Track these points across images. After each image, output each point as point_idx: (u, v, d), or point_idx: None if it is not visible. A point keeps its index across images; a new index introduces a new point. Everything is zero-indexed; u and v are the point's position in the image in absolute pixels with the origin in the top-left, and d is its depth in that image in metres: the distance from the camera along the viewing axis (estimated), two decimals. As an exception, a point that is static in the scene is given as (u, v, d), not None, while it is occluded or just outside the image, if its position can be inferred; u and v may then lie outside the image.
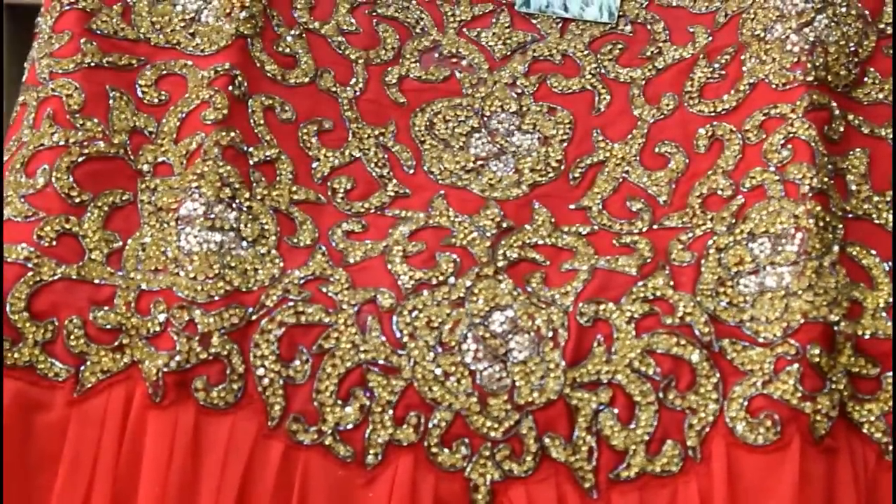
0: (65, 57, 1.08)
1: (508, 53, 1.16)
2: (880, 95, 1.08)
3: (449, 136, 1.12)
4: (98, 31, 1.09)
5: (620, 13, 1.17)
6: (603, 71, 1.15)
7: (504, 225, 1.05)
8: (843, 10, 1.08)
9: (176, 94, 1.09)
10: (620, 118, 1.13)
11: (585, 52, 1.16)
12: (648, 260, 1.02)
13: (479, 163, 1.11)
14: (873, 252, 1.01)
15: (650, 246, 1.04)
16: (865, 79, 1.08)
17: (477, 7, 1.18)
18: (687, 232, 1.04)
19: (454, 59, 1.16)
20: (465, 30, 1.17)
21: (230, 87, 1.07)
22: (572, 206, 1.09)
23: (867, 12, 1.09)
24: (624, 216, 1.07)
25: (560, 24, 1.17)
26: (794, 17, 1.07)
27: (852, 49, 1.08)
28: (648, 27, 1.16)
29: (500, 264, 1.02)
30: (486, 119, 1.13)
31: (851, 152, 1.05)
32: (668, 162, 1.09)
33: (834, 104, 1.05)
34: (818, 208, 1.00)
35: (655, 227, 1.06)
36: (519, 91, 1.14)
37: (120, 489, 0.96)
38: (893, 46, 1.10)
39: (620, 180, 1.10)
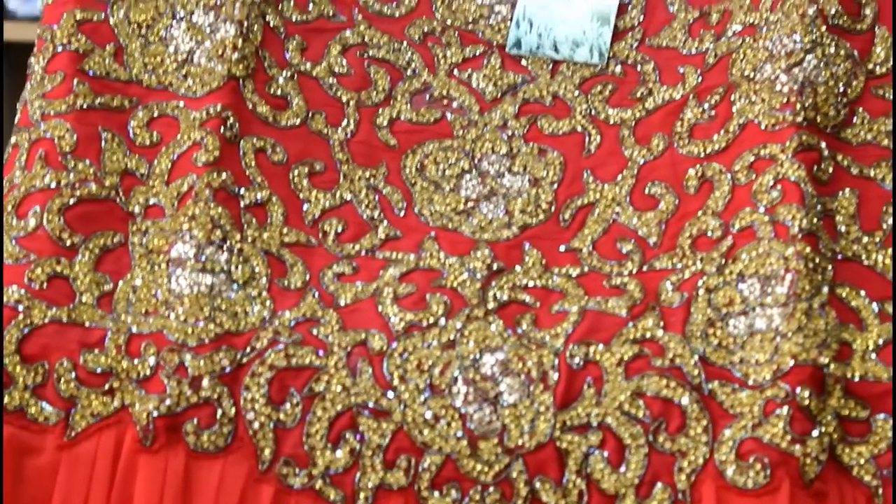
0: (57, 98, 1.08)
1: (499, 95, 1.17)
2: (869, 136, 1.08)
3: (440, 177, 1.12)
4: (90, 73, 1.10)
5: (610, 54, 1.17)
6: (593, 112, 1.15)
7: (494, 266, 1.06)
8: (832, 50, 1.08)
9: (168, 135, 1.09)
10: (611, 159, 1.13)
11: (576, 94, 1.16)
12: (638, 301, 1.03)
13: (470, 204, 1.11)
14: (862, 293, 1.02)
15: (640, 287, 1.04)
16: (854, 119, 1.08)
17: (468, 49, 1.18)
18: (676, 273, 1.05)
19: (445, 101, 1.16)
20: (455, 71, 1.18)
21: (222, 129, 1.07)
22: (563, 248, 1.09)
23: (856, 52, 1.10)
24: (614, 257, 1.08)
25: (550, 66, 1.18)
26: (784, 57, 1.08)
27: (841, 89, 1.08)
28: (638, 68, 1.16)
29: (490, 306, 1.03)
30: (476, 161, 1.13)
31: (840, 193, 1.06)
32: (658, 203, 1.10)
33: (823, 144, 1.06)
34: (808, 249, 1.00)
35: (645, 268, 1.06)
36: (509, 133, 1.14)
37: (110, 534, 0.97)
38: (894, 77, 1.11)
39: (610, 221, 1.10)
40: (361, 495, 0.96)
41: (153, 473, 0.96)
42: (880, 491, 0.96)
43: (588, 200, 1.11)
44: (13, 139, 1.09)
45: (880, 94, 1.09)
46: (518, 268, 1.07)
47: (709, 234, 1.05)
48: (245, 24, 1.11)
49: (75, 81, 1.09)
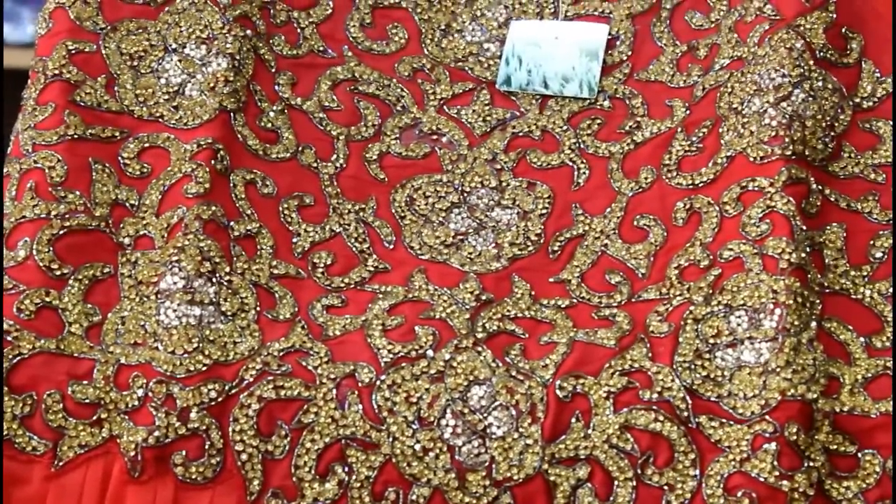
0: (48, 129, 1.09)
1: (488, 130, 1.18)
2: (856, 170, 1.09)
3: (429, 211, 1.13)
4: (82, 103, 1.10)
5: (599, 88, 1.18)
6: (582, 146, 1.16)
7: (483, 297, 1.06)
8: (820, 84, 1.10)
9: (158, 166, 1.09)
10: (599, 192, 1.14)
11: (564, 128, 1.17)
12: (627, 332, 1.04)
13: (459, 237, 1.12)
14: (850, 327, 1.02)
15: (629, 319, 1.05)
16: (842, 153, 1.09)
17: (457, 85, 1.19)
18: (664, 303, 1.06)
19: (434, 136, 1.17)
20: (445, 107, 1.19)
21: (212, 161, 1.08)
22: (552, 280, 1.10)
23: (843, 87, 1.11)
24: (603, 289, 1.08)
25: (539, 100, 1.19)
26: (772, 91, 1.09)
27: (829, 123, 1.09)
28: (627, 102, 1.17)
29: (479, 336, 1.03)
30: (465, 195, 1.14)
31: (828, 227, 1.06)
32: (647, 235, 1.11)
33: (811, 178, 1.07)
34: (797, 284, 1.01)
35: (634, 299, 1.07)
36: (498, 167, 1.15)
37: (97, 565, 0.97)
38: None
39: (599, 253, 1.11)
40: (350, 528, 0.97)
41: (142, 504, 0.97)
42: (868, 527, 0.97)
43: (577, 233, 1.12)
44: (5, 169, 1.09)
45: (867, 127, 1.11)
46: (507, 299, 1.07)
47: (696, 264, 1.06)
48: (237, 57, 1.13)
49: (66, 112, 1.09)
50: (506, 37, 1.22)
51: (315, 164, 1.14)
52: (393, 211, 1.14)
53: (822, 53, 1.12)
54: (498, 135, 1.17)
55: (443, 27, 1.22)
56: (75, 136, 1.09)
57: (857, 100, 1.13)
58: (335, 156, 1.15)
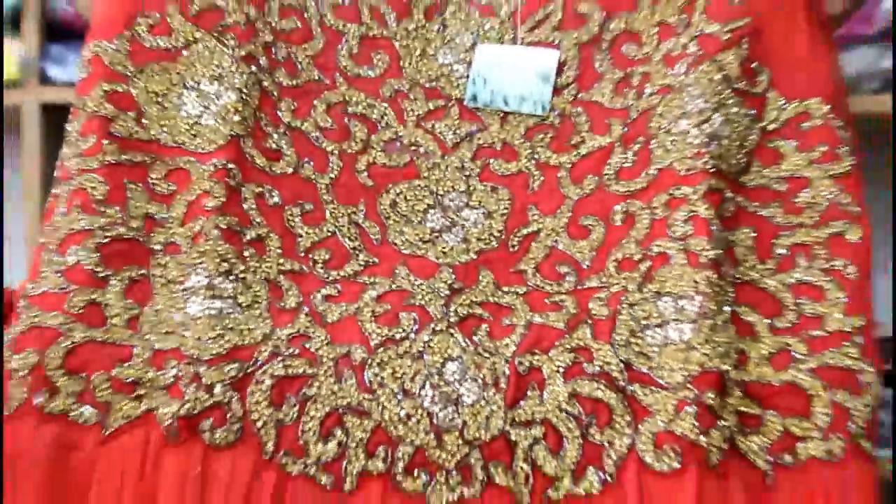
0: (90, 156, 1.14)
1: (458, 141, 1.23)
2: (763, 181, 1.15)
3: (409, 212, 1.19)
4: (117, 134, 1.16)
5: (550, 107, 1.23)
6: (536, 156, 1.22)
7: (455, 286, 1.13)
8: (734, 110, 1.15)
9: (181, 185, 1.16)
10: (551, 196, 1.20)
11: (521, 141, 1.23)
12: (574, 315, 1.10)
13: (435, 234, 1.18)
14: (757, 311, 1.10)
15: (575, 303, 1.12)
16: (752, 168, 1.15)
17: (431, 102, 1.24)
18: (604, 290, 1.12)
19: (413, 148, 1.23)
20: (422, 122, 1.23)
21: (227, 179, 1.14)
22: (512, 270, 1.16)
23: (753, 112, 1.16)
24: (554, 278, 1.15)
25: (501, 116, 1.24)
26: (696, 115, 1.14)
27: (741, 142, 1.15)
28: (573, 119, 1.22)
29: (451, 320, 1.11)
30: (439, 197, 1.21)
31: (740, 229, 1.12)
32: (590, 233, 1.17)
33: (727, 188, 1.13)
34: (714, 276, 1.08)
35: (579, 287, 1.14)
36: (467, 173, 1.22)
37: (141, 513, 1.05)
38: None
39: (551, 248, 1.17)
40: (348, 479, 1.05)
41: (176, 465, 1.05)
42: (770, 473, 1.06)
43: (532, 230, 1.18)
44: (54, 191, 1.16)
45: (772, 146, 1.17)
46: (475, 287, 1.14)
47: (631, 257, 1.12)
48: (244, 90, 1.18)
49: (105, 142, 1.15)
50: (472, 60, 1.25)
51: (313, 177, 1.19)
52: (379, 212, 1.20)
53: (737, 84, 1.15)
54: (466, 146, 1.23)
55: (419, 52, 1.26)
56: (112, 162, 1.14)
57: (764, 123, 1.16)
58: (330, 168, 1.20)
